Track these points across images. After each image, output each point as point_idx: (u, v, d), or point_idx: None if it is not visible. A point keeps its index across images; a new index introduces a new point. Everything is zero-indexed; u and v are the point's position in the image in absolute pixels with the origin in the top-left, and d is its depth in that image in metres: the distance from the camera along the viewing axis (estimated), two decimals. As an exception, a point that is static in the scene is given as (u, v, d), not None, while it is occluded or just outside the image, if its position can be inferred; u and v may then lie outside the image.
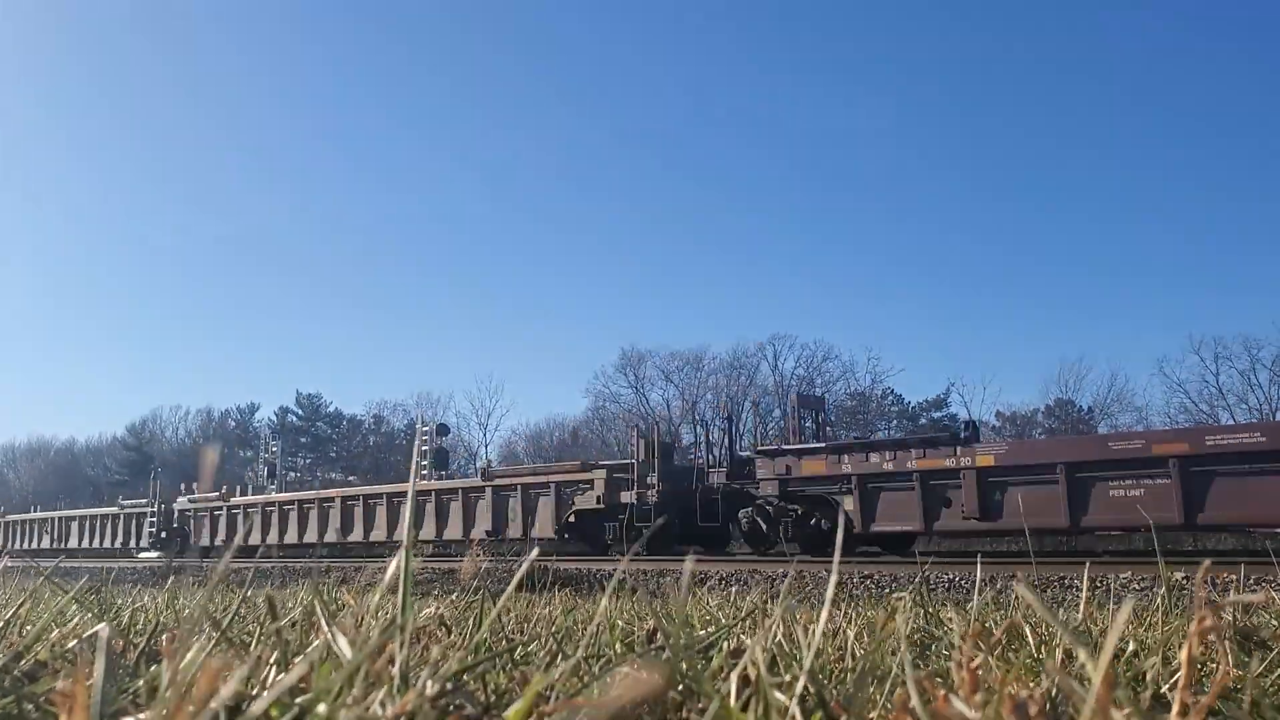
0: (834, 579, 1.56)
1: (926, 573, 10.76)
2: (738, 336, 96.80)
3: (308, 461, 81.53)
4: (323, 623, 1.47)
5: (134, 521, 36.61)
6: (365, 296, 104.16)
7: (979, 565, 2.48)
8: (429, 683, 1.27)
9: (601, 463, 24.85)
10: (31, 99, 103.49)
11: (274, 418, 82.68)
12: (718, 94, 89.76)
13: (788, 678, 1.55)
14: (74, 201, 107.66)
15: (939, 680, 1.47)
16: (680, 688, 1.47)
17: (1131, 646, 1.95)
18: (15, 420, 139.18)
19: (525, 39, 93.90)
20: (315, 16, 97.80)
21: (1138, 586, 9.47)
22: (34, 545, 41.55)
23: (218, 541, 32.14)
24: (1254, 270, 71.91)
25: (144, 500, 37.77)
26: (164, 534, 34.96)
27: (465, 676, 1.45)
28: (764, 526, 20.34)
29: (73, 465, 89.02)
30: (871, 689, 1.51)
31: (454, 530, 25.80)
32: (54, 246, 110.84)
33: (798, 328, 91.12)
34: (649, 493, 22.42)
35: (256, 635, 1.92)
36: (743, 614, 2.34)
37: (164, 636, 1.72)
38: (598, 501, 23.08)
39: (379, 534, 27.69)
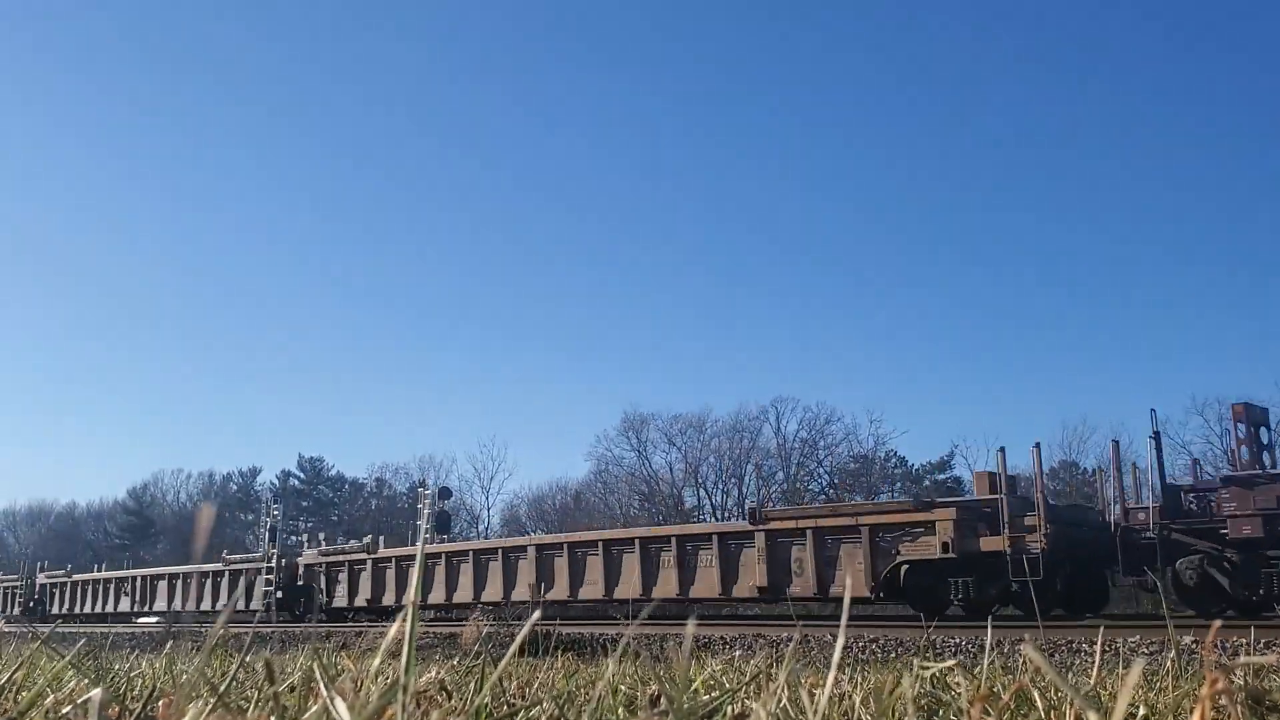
0: (841, 641, 1.54)
1: (931, 636, 10.64)
2: (740, 399, 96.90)
3: (310, 525, 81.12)
4: (322, 687, 1.45)
5: (242, 578, 31.45)
6: (367, 360, 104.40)
7: (989, 630, 2.45)
8: (428, 748, 1.25)
9: (946, 500, 20.47)
10: (25, 149, 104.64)
11: (275, 481, 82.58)
12: (717, 153, 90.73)
13: (793, 743, 1.53)
14: (75, 262, 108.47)
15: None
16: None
17: (1142, 711, 1.92)
18: (16, 483, 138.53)
19: (516, 83, 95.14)
20: (287, 76, 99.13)
21: (1146, 650, 9.36)
22: (108, 608, 37.02)
23: (360, 601, 27.99)
24: (1257, 333, 71.97)
25: (255, 554, 32.82)
26: (281, 592, 29.91)
27: (465, 742, 1.43)
28: (1226, 581, 15.68)
29: (73, 529, 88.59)
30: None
31: (707, 587, 20.44)
32: (54, 308, 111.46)
33: (800, 390, 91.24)
34: (1030, 538, 16.80)
35: (255, 700, 1.90)
36: (747, 679, 2.31)
37: (160, 702, 1.69)
38: (944, 550, 17.48)
39: (629, 589, 21.30)
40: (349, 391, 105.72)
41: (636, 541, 22.08)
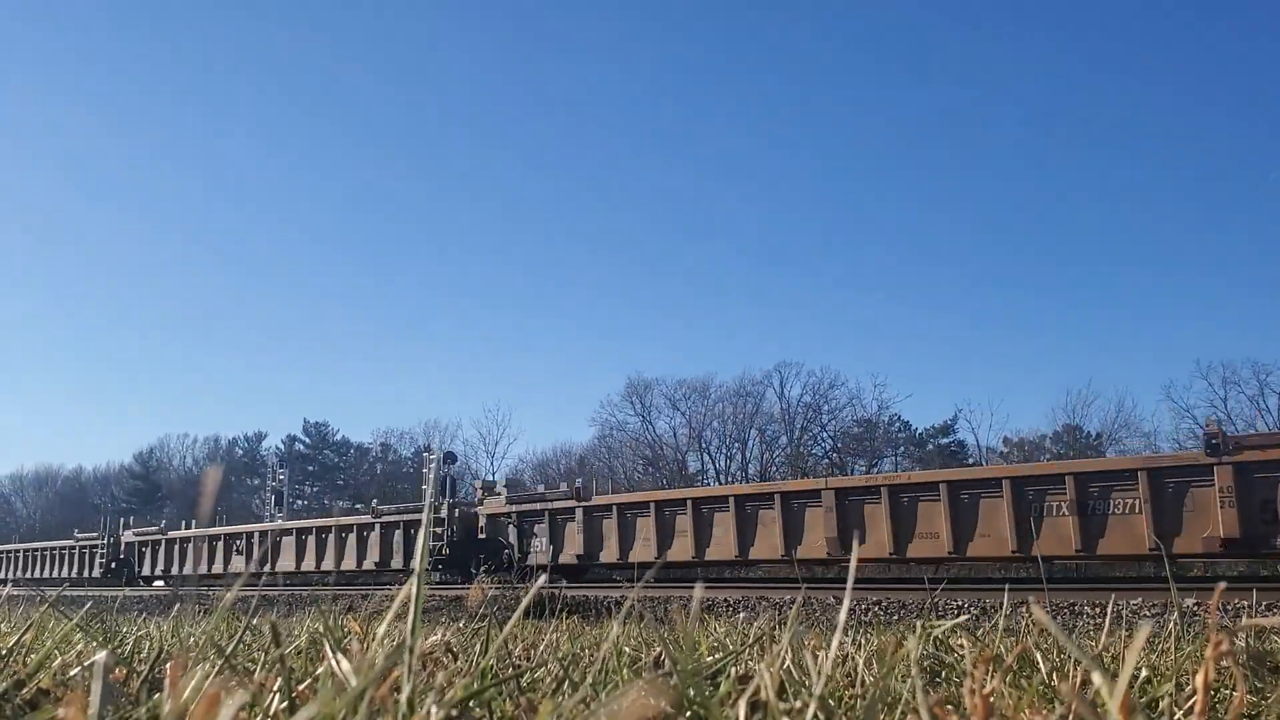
0: (846, 603, 1.54)
1: (935, 599, 10.69)
2: (744, 364, 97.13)
3: (315, 490, 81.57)
4: (327, 649, 1.46)
5: (397, 532, 26.36)
6: (372, 325, 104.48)
7: (1007, 592, 2.46)
8: (434, 709, 1.26)
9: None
10: (31, 117, 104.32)
11: (281, 446, 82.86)
12: (725, 123, 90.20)
13: (797, 704, 1.53)
14: (82, 230, 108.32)
15: (950, 707, 1.45)
16: (689, 714, 1.46)
17: (1145, 673, 1.92)
18: (23, 448, 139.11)
19: (525, 58, 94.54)
20: (295, 46, 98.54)
21: (1149, 613, 9.40)
22: (215, 569, 31.34)
23: (568, 557, 22.78)
24: (1262, 297, 71.78)
25: (412, 504, 28.04)
26: (450, 549, 24.98)
27: (471, 703, 1.44)
28: None
29: (80, 494, 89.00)
30: (882, 715, 1.49)
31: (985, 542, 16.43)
32: (61, 275, 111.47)
33: (804, 355, 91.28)
34: None
35: (261, 662, 1.91)
36: (751, 640, 2.32)
37: (168, 664, 1.70)
38: None
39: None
40: (354, 357, 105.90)
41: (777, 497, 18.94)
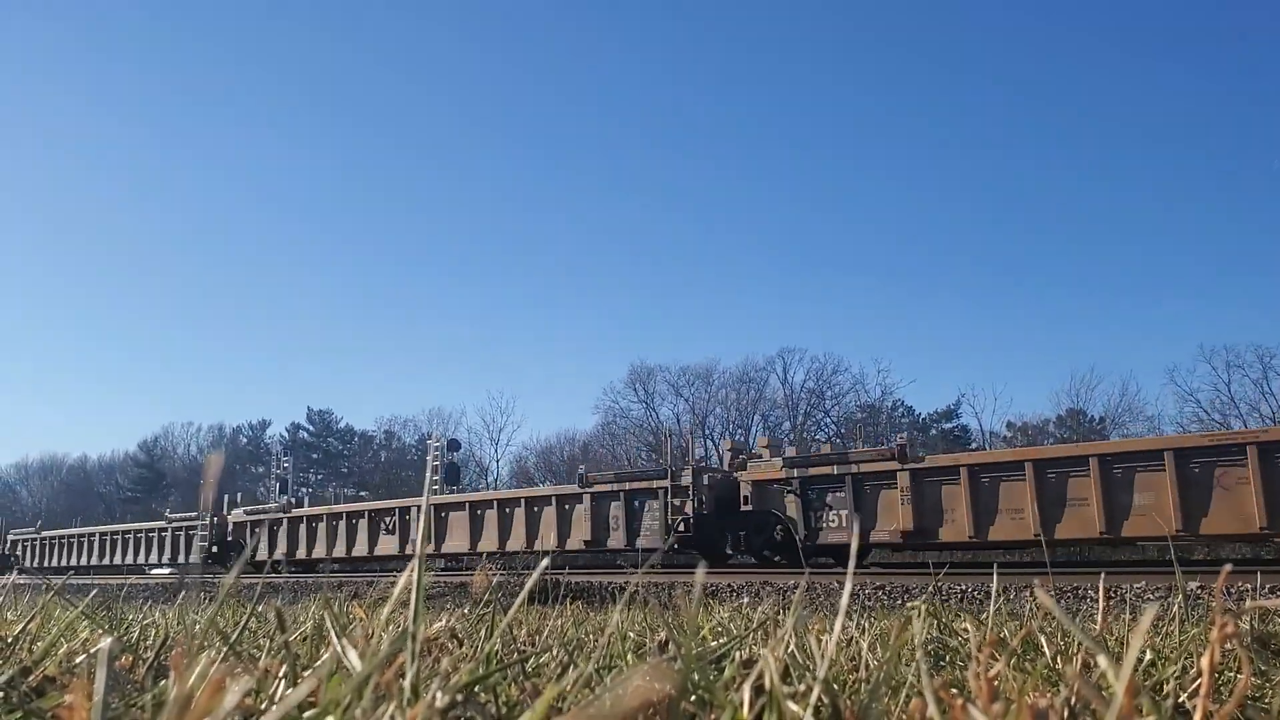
0: (848, 588, 1.54)
1: (939, 583, 10.71)
2: (747, 350, 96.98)
3: (319, 478, 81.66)
4: (332, 635, 1.46)
5: (618, 504, 21.63)
6: (375, 313, 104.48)
7: (995, 575, 2.46)
8: (439, 694, 1.26)
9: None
10: (35, 101, 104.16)
11: (285, 434, 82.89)
12: (724, 109, 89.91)
13: (801, 687, 1.54)
14: (86, 219, 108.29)
15: (955, 690, 1.45)
16: (694, 698, 1.46)
17: (1149, 656, 1.92)
18: (28, 437, 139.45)
19: (524, 46, 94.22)
20: (303, 25, 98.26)
21: (1152, 596, 9.41)
22: (355, 552, 27.51)
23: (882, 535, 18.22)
24: (1266, 280, 71.59)
25: (646, 469, 23.44)
26: (687, 524, 20.21)
27: (476, 688, 1.44)
28: None
29: (85, 482, 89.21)
30: (887, 699, 1.49)
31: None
32: (65, 264, 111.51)
33: (807, 340, 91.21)
34: None
35: (266, 649, 1.91)
36: (754, 625, 2.33)
37: (174, 651, 1.71)
38: None
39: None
40: (357, 345, 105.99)
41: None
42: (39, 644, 2.03)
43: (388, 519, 27.07)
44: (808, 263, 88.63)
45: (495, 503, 24.42)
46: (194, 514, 33.55)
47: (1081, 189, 78.66)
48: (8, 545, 41.80)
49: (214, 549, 31.49)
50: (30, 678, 1.70)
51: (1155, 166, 76.83)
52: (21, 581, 3.82)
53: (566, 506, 22.66)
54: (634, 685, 0.89)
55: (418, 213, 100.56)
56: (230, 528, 31.91)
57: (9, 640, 1.99)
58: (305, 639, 2.04)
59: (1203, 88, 74.31)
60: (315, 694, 1.33)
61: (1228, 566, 1.48)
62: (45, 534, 41.03)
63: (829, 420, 60.43)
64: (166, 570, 32.58)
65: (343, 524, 28.20)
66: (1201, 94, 74.27)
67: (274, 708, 0.81)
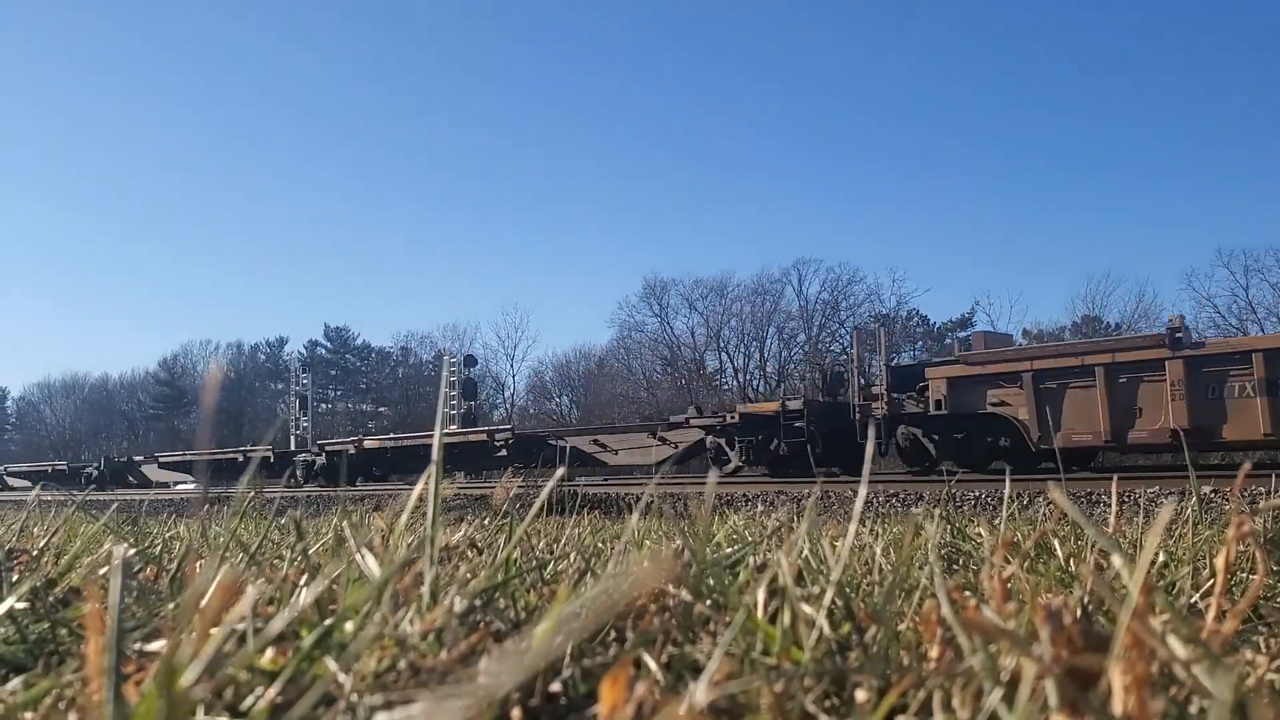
0: (862, 493, 1.55)
1: (952, 489, 10.77)
2: (762, 262, 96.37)
3: (338, 394, 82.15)
4: (350, 542, 1.47)
5: None
6: (390, 228, 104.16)
7: (1007, 481, 2.46)
8: (457, 599, 1.27)
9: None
10: (62, 26, 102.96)
11: (303, 351, 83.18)
12: (737, 18, 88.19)
13: (815, 590, 1.55)
14: (107, 138, 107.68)
15: (968, 592, 1.46)
16: (709, 602, 1.47)
17: (1161, 558, 1.93)
18: (50, 356, 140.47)
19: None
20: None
21: (1165, 501, 9.44)
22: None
23: None
24: (1287, 181, 70.49)
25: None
26: None
27: (494, 594, 1.46)
28: None
29: (107, 400, 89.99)
30: (900, 601, 1.50)
31: None
32: (85, 182, 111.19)
33: (823, 251, 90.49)
34: None
35: (287, 560, 1.94)
36: (769, 532, 2.34)
37: (189, 559, 1.73)
38: None
39: None
40: (373, 261, 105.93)
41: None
42: (64, 558, 2.06)
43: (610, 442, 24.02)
44: (824, 172, 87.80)
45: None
46: (339, 439, 33.00)
47: (1099, 89, 77.28)
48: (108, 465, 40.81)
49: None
50: (55, 589, 1.73)
51: (1175, 65, 75.30)
52: (47, 498, 3.87)
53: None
54: (641, 576, 0.90)
55: (429, 126, 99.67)
56: (322, 456, 30.82)
57: (34, 553, 2.02)
58: (326, 550, 2.06)
59: (1228, -14, 72.48)
60: (335, 600, 1.35)
61: (1246, 465, 1.48)
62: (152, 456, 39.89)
63: (844, 331, 60.26)
64: (190, 485, 32.92)
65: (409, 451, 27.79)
66: (1226, -8, 72.47)
67: (286, 609, 0.82)
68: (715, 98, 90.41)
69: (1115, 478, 2.36)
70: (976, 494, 11.72)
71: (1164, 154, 75.36)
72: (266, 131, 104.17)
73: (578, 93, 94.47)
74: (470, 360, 34.38)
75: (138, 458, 39.85)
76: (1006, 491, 2.38)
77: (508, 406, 69.98)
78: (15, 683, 1.18)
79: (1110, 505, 2.13)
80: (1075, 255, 79.57)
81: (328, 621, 1.11)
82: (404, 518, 1.51)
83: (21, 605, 1.49)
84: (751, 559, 1.93)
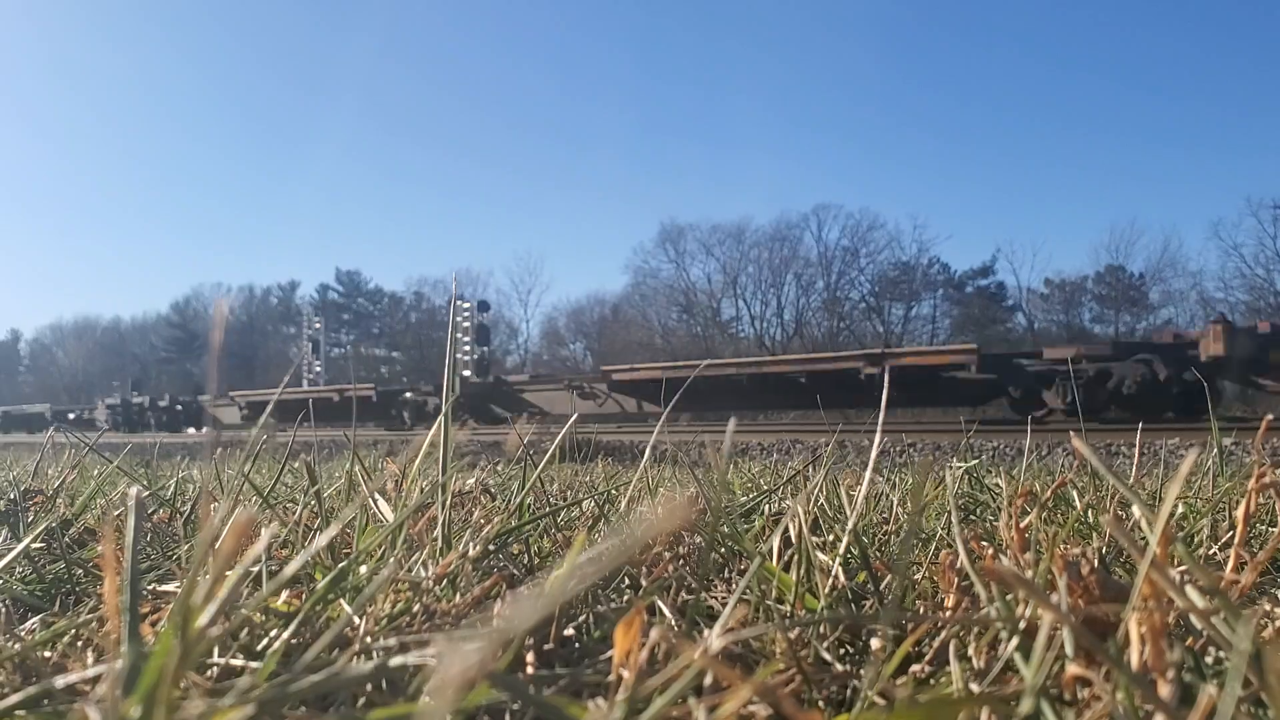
0: (878, 440, 1.53)
1: (970, 439, 10.76)
2: (781, 207, 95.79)
3: (351, 337, 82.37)
4: (364, 487, 1.47)
5: None
6: (403, 172, 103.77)
7: (1029, 432, 2.45)
8: (472, 544, 1.27)
9: None
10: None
11: (315, 295, 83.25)
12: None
13: (830, 538, 1.54)
14: (120, 78, 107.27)
15: (985, 542, 1.45)
16: (723, 549, 1.47)
17: (1180, 509, 1.92)
18: (62, 298, 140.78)
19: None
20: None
21: (1184, 453, 9.41)
22: None
23: None
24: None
25: None
26: None
27: (508, 539, 1.45)
28: None
29: (120, 343, 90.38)
30: (916, 550, 1.49)
31: None
32: (94, 124, 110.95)
33: (843, 196, 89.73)
34: None
35: (301, 503, 1.94)
36: (784, 480, 2.33)
37: (201, 500, 1.73)
38: None
39: None
40: (385, 205, 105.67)
41: None
42: (79, 499, 2.07)
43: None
44: (844, 116, 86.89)
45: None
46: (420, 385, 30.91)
47: (1127, 35, 76.06)
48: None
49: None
50: (71, 530, 1.74)
51: (1203, 11, 73.99)
52: (61, 440, 3.89)
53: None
54: (656, 523, 0.89)
55: (444, 69, 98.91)
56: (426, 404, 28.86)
57: (49, 494, 2.03)
58: (339, 493, 2.07)
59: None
60: (349, 544, 1.34)
61: (1269, 417, 1.46)
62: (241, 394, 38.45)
63: (863, 278, 60.01)
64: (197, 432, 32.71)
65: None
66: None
67: (301, 552, 0.81)
68: (735, 40, 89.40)
69: (1140, 426, 2.34)
70: (995, 444, 11.70)
71: (1192, 102, 74.33)
72: (279, 73, 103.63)
73: (595, 36, 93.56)
74: (483, 305, 34.14)
75: (203, 397, 38.28)
76: (1028, 442, 2.37)
77: (521, 353, 70.15)
78: (33, 622, 1.18)
79: (1132, 458, 2.11)
80: (1099, 204, 78.87)
81: (342, 564, 1.11)
82: (416, 463, 1.50)
83: (38, 545, 1.50)
84: (767, 506, 1.93)
